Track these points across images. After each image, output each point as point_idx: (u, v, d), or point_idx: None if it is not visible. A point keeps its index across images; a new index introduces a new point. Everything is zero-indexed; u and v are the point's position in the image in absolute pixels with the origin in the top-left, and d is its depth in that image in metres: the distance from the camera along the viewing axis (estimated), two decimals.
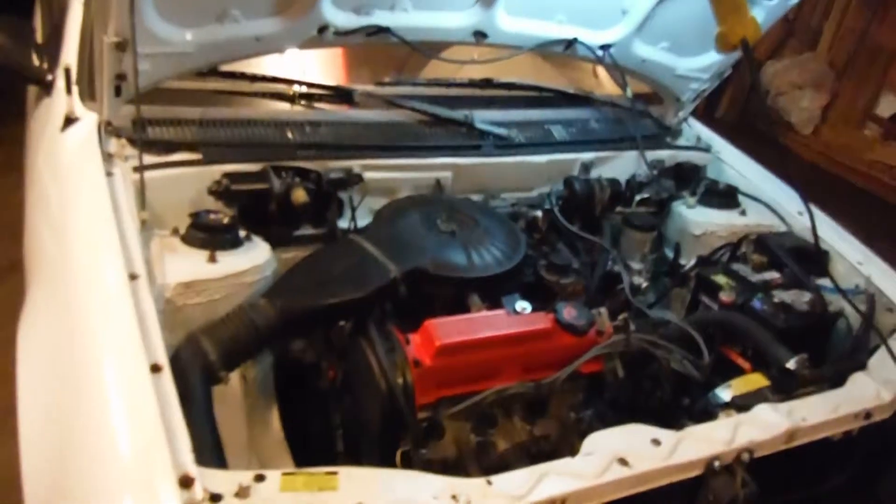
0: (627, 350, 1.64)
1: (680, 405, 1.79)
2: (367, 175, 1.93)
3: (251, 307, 1.50)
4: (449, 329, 1.49)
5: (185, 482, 1.11)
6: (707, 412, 1.56)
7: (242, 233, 1.71)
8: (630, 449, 1.34)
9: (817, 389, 1.62)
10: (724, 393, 1.66)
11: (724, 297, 1.92)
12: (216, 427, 1.36)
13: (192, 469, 1.13)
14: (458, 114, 2.14)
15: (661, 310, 2.29)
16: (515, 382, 1.55)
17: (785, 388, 1.61)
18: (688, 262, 2.22)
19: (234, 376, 1.62)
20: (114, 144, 1.80)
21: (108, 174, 1.68)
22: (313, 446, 1.68)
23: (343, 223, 1.94)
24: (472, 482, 1.24)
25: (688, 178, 2.41)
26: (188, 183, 1.77)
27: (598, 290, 2.04)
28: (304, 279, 1.58)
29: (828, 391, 1.61)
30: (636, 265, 2.21)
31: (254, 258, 1.64)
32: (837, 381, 1.65)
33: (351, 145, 1.95)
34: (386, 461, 1.46)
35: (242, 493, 1.13)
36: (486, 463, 1.56)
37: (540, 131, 2.29)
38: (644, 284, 2.18)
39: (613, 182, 2.23)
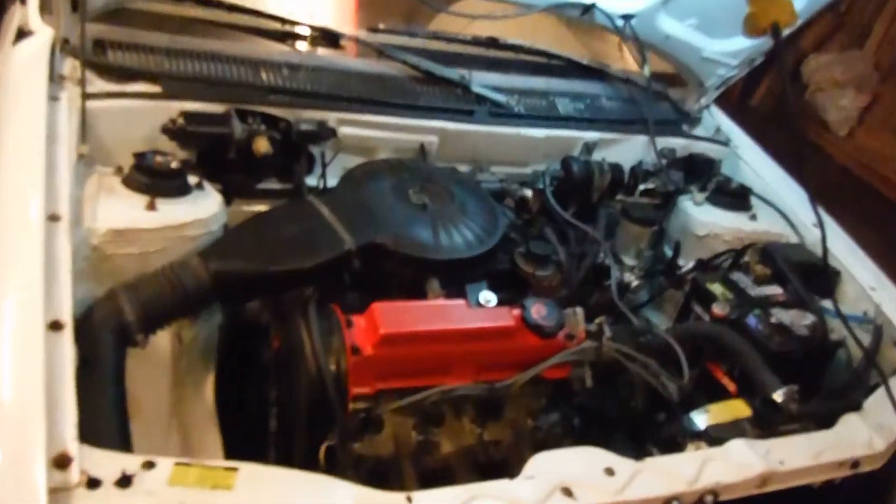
0: (599, 359, 1.48)
1: (654, 421, 1.64)
2: (343, 130, 1.76)
3: (181, 266, 1.34)
4: (396, 316, 1.33)
5: (61, 462, 0.97)
6: (675, 441, 1.40)
7: (194, 180, 1.55)
8: (578, 477, 1.18)
9: (803, 428, 1.45)
10: (700, 419, 1.49)
11: (717, 309, 1.74)
12: (122, 397, 1.22)
13: (72, 447, 0.99)
14: (454, 73, 1.95)
15: (652, 311, 2.14)
16: (468, 382, 1.39)
17: (767, 422, 1.44)
18: (686, 263, 2.04)
19: (165, 336, 1.48)
20: (68, 66, 1.63)
21: (54, 98, 1.52)
22: (245, 422, 1.54)
23: (313, 180, 1.78)
24: (388, 497, 1.09)
25: (699, 172, 2.21)
26: (142, 118, 1.61)
27: (583, 284, 1.87)
28: (248, 241, 1.42)
29: (814, 432, 1.45)
30: (630, 261, 2.03)
31: (199, 210, 1.48)
32: (827, 420, 1.48)
33: (328, 95, 1.77)
34: (312, 452, 1.31)
35: (124, 481, 0.99)
36: (425, 465, 1.42)
37: (543, 102, 2.09)
38: (635, 282, 2.00)
39: (616, 167, 2.04)
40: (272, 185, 1.76)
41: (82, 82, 1.50)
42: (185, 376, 1.56)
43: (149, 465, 1.03)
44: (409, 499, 1.09)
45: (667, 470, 1.26)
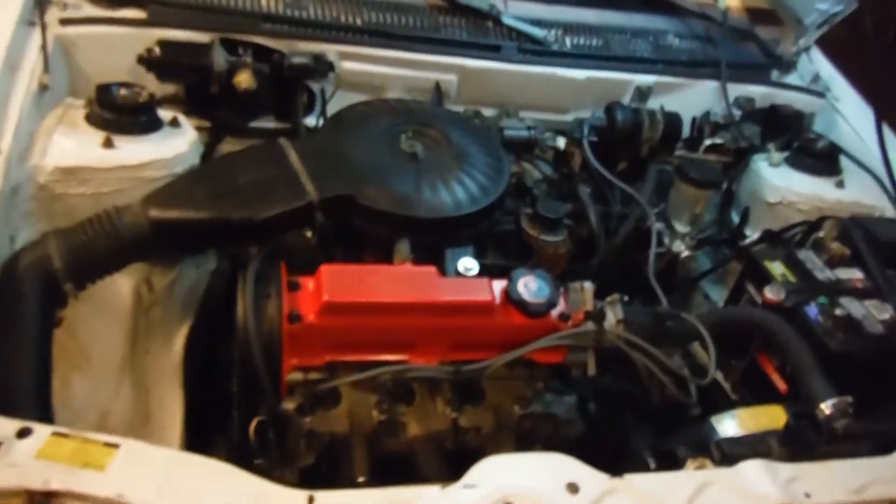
0: (599, 346, 1.24)
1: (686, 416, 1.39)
2: (346, 65, 1.57)
3: (120, 211, 1.21)
4: (346, 281, 1.14)
5: None
6: (672, 456, 1.15)
7: (168, 116, 1.42)
8: (531, 492, 0.97)
9: (850, 451, 1.16)
10: (723, 425, 1.24)
11: (770, 293, 1.44)
12: (44, 349, 1.12)
13: None
14: (483, 2, 1.69)
15: (715, 284, 1.85)
16: (433, 361, 1.20)
17: (801, 440, 1.17)
18: (752, 234, 1.74)
19: (126, 282, 1.38)
20: None
21: (30, 23, 1.42)
22: (209, 379, 1.42)
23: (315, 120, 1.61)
24: (288, 494, 0.93)
25: (782, 128, 1.86)
26: (121, 47, 1.49)
27: (621, 253, 1.62)
28: (199, 186, 1.27)
29: (864, 458, 1.15)
30: (682, 227, 1.74)
31: (162, 150, 1.35)
32: (885, 444, 1.18)
33: (330, 24, 1.58)
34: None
35: None
36: (385, 447, 1.25)
37: (592, 39, 1.81)
38: (685, 253, 1.72)
39: (672, 117, 1.74)
40: (267, 123, 1.61)
41: (39, 9, 1.39)
42: (155, 326, 1.46)
43: (24, 433, 0.92)
44: (311, 498, 0.93)
45: (648, 492, 1.02)
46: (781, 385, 1.41)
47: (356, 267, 1.20)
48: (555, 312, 1.23)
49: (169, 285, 1.47)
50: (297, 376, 1.18)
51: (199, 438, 1.40)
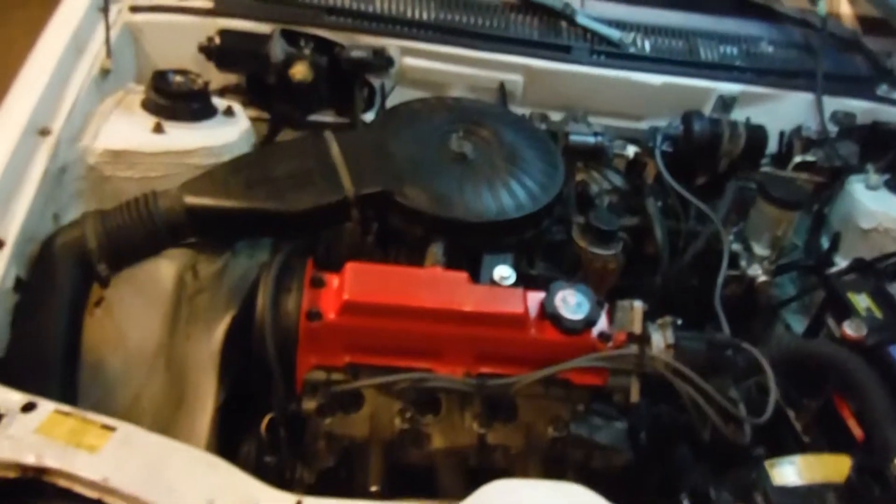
0: (640, 370, 1.14)
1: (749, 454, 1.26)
2: (407, 61, 1.53)
3: (158, 196, 1.21)
4: (371, 281, 1.10)
5: None
6: (708, 500, 1.03)
7: (223, 104, 1.42)
8: None
9: None
10: (781, 471, 1.11)
11: (849, 329, 1.29)
12: (74, 329, 1.14)
13: None
14: (557, 0, 1.61)
15: (798, 315, 1.69)
16: (460, 371, 1.13)
17: (865, 497, 1.02)
18: (842, 262, 1.57)
19: (170, 267, 1.38)
20: None
21: (103, 9, 1.46)
22: (244, 367, 1.41)
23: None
24: (275, 495, 0.89)
25: (885, 148, 1.68)
26: (186, 35, 1.50)
27: (689, 273, 1.51)
28: (239, 174, 1.25)
29: None
30: (761, 250, 1.59)
31: (211, 137, 1.34)
32: None
33: (394, 18, 1.54)
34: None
35: None
36: (406, 457, 1.20)
37: (676, 43, 1.68)
38: (762, 278, 1.57)
39: (756, 130, 1.60)
40: (327, 117, 1.59)
41: None
42: (199, 314, 1.46)
43: (28, 408, 0.92)
44: (298, 503, 0.88)
45: None
46: (858, 432, 1.25)
47: (384, 267, 1.15)
48: (595, 331, 1.14)
49: (216, 273, 1.46)
50: (320, 375, 1.15)
51: (230, 430, 1.39)
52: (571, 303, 1.13)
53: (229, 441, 1.35)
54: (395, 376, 1.09)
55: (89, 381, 1.23)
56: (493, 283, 1.17)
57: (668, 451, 1.35)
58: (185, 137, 1.33)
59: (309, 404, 1.15)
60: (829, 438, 1.32)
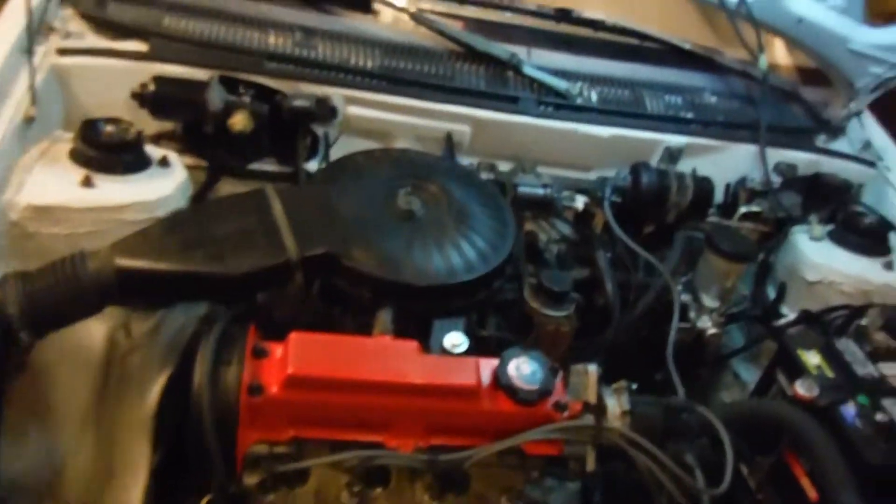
0: (596, 441, 1.10)
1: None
2: (352, 111, 1.47)
3: (87, 256, 1.12)
4: (316, 352, 1.04)
5: None
6: None
7: (158, 153, 1.34)
8: None
9: None
10: None
11: (801, 388, 1.28)
12: None
13: None
14: (503, 50, 1.59)
15: (748, 364, 1.70)
16: (410, 446, 1.08)
17: None
18: (790, 314, 1.59)
19: (99, 328, 1.29)
20: (62, 18, 1.48)
21: (27, 51, 1.37)
22: (180, 440, 1.32)
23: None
24: None
25: (827, 199, 1.71)
26: (118, 80, 1.42)
27: (639, 328, 1.49)
28: (175, 234, 1.18)
29: None
30: (710, 301, 1.59)
31: (144, 191, 1.27)
32: None
33: (337, 66, 1.49)
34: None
35: None
36: None
37: (622, 93, 1.69)
38: (712, 330, 1.56)
39: (703, 181, 1.61)
40: (269, 166, 1.52)
41: (29, 38, 1.33)
42: (132, 374, 1.36)
43: None
44: None
45: None
46: (812, 493, 1.24)
47: (329, 337, 1.08)
48: (550, 401, 1.10)
49: (150, 331, 1.36)
50: (262, 449, 1.07)
51: (166, 495, 1.30)
52: (525, 371, 1.09)
53: None
54: (342, 454, 1.03)
55: (10, 454, 1.13)
56: (444, 350, 1.12)
57: None
58: (117, 191, 1.25)
59: (250, 479, 1.08)
60: (782, 496, 1.31)
